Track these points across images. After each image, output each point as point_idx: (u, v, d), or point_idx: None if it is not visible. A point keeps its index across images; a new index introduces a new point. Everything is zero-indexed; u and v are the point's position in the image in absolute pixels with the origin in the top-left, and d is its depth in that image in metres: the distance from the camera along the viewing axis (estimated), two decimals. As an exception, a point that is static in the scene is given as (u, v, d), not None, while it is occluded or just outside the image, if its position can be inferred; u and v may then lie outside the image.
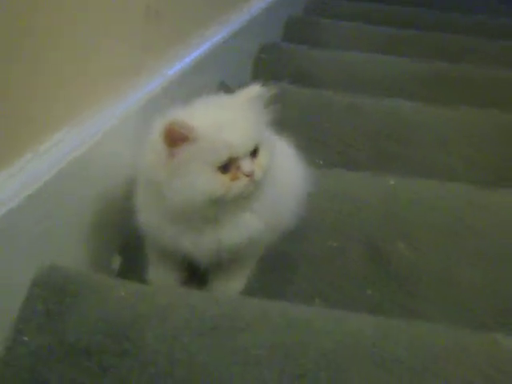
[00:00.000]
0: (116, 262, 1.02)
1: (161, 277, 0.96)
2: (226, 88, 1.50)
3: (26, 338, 0.73)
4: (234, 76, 1.60)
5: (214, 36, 1.50)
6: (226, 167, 0.80)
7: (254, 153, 0.83)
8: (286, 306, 0.81)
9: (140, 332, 0.74)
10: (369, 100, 1.53)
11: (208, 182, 0.80)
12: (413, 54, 2.06)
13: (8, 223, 0.72)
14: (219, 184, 0.80)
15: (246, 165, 0.81)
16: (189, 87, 1.27)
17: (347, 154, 1.41)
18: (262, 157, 0.84)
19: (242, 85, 1.51)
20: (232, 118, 0.82)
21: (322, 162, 1.39)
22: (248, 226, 0.85)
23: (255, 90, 0.87)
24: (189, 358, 0.72)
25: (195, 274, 0.95)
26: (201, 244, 0.85)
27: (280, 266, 1.00)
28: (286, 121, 1.40)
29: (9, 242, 0.73)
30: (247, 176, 0.81)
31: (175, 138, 0.78)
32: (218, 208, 0.82)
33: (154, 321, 0.76)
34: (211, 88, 1.50)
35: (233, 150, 0.80)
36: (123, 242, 1.03)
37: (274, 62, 1.87)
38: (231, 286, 0.96)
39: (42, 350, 0.73)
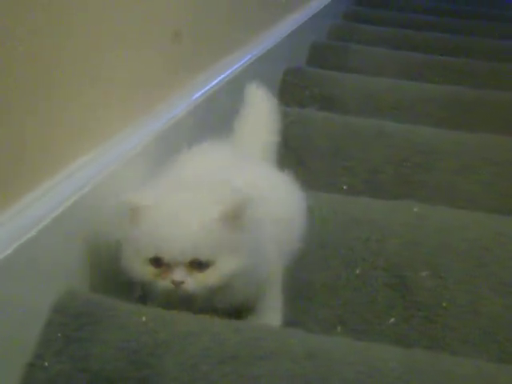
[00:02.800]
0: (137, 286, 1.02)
1: None
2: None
3: (46, 364, 0.73)
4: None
5: (240, 60, 1.50)
6: (157, 261, 0.77)
7: (201, 264, 0.77)
8: (306, 336, 0.80)
9: (161, 359, 0.74)
10: (395, 126, 1.52)
11: (138, 269, 0.78)
12: (441, 80, 2.05)
13: (27, 252, 0.72)
14: (148, 274, 0.78)
15: (176, 274, 0.76)
16: (214, 111, 1.27)
17: (372, 180, 1.41)
18: (214, 270, 0.77)
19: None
20: (182, 217, 0.77)
21: (345, 187, 1.38)
22: (224, 269, 0.78)
23: (237, 200, 0.79)
24: (209, 387, 0.72)
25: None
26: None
27: (301, 294, 1.00)
28: (311, 147, 1.41)
29: (28, 270, 0.74)
30: (174, 283, 0.77)
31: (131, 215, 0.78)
32: None
33: (174, 348, 0.75)
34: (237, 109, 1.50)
35: (161, 253, 0.76)
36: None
37: (299, 86, 1.87)
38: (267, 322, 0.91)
39: (61, 377, 0.72)
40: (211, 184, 0.82)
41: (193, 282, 0.76)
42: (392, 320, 0.97)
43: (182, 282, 0.76)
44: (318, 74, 1.94)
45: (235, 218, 0.77)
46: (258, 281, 0.85)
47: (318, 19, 2.45)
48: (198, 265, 0.76)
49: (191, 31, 1.23)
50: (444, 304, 0.98)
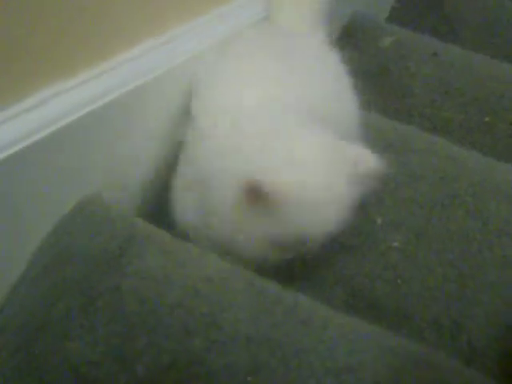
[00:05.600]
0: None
1: None
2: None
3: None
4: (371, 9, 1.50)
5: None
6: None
7: None
8: (448, 145, 1.02)
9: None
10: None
11: (257, 250, 0.73)
12: None
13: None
14: (267, 252, 0.73)
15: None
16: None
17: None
18: None
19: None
20: (323, 205, 0.71)
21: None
22: None
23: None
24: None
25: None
26: None
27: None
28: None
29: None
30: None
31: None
32: None
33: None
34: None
35: (300, 242, 0.72)
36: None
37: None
38: None
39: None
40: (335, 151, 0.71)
41: None
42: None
43: None
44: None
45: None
46: None
47: None
48: None
49: None
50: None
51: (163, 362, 0.62)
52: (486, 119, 1.23)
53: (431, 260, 0.88)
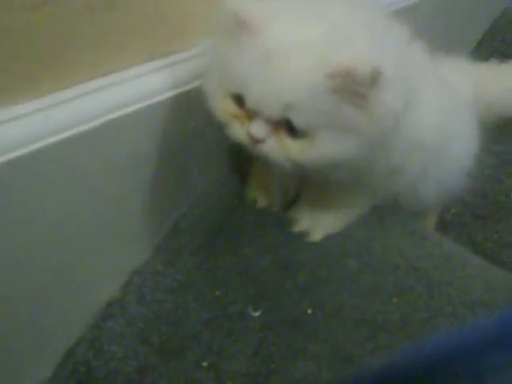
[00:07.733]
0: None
1: None
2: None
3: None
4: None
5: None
6: (241, 100, 0.57)
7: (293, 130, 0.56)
8: None
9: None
10: None
11: (217, 100, 0.60)
12: None
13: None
14: (226, 111, 0.59)
15: (254, 127, 0.57)
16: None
17: None
18: (309, 144, 0.56)
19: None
20: (290, 61, 0.53)
21: None
22: (322, 148, 0.56)
23: (363, 70, 0.51)
24: None
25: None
26: None
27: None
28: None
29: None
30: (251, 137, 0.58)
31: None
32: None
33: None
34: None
35: (245, 94, 0.56)
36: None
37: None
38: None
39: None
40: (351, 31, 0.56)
41: (274, 147, 0.58)
42: None
43: (261, 141, 0.57)
44: None
45: (355, 91, 0.52)
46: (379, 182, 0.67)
47: None
48: (288, 128, 0.56)
49: None
50: None
51: (320, 275, 0.72)
52: None
53: None
